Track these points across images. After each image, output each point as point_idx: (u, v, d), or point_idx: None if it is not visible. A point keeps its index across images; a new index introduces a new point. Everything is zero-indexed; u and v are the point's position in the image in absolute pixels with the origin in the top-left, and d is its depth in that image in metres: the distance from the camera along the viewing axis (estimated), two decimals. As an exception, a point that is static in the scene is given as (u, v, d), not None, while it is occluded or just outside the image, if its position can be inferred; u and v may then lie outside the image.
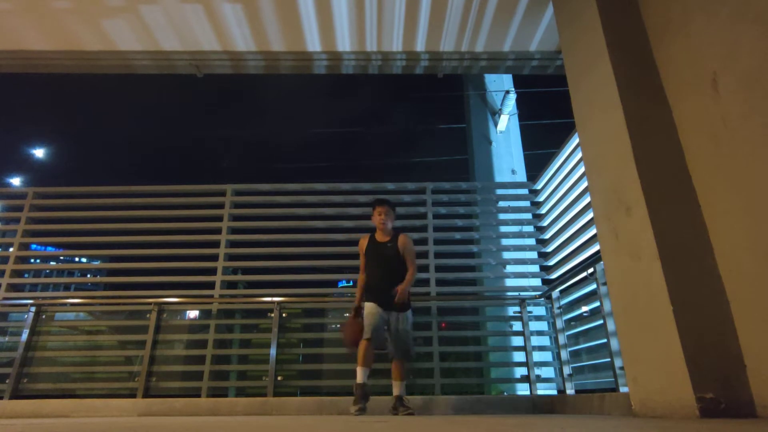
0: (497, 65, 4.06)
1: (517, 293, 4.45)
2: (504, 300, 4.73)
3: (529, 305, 4.05)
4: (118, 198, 4.69)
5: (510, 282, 4.82)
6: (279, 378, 3.86)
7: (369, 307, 3.19)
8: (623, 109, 2.20)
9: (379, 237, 3.39)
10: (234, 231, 4.62)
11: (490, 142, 7.55)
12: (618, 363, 2.72)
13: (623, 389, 2.66)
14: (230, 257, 4.49)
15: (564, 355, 3.65)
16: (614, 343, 2.77)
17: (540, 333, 4.13)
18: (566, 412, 3.12)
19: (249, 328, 4.54)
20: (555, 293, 3.87)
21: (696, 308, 1.85)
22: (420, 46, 3.80)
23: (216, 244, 4.46)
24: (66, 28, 3.62)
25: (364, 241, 3.45)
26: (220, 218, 4.56)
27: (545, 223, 4.54)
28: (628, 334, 2.20)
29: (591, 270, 3.19)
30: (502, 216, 4.73)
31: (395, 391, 3.08)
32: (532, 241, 4.69)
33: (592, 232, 3.59)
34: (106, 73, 4.12)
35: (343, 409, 3.37)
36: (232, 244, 4.55)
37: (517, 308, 4.06)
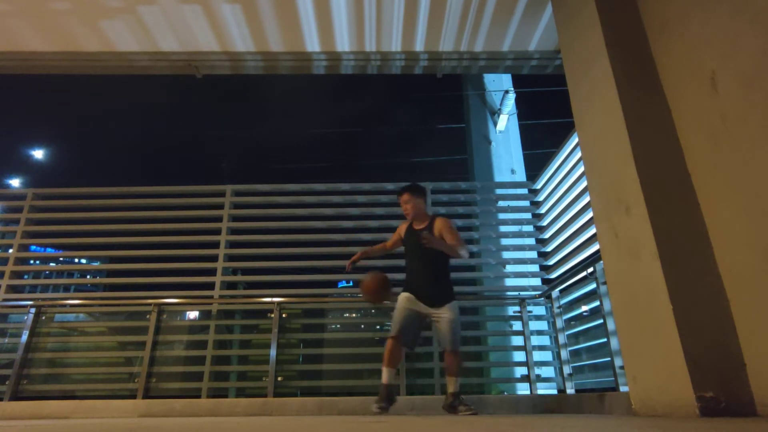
0: (496, 65, 4.06)
1: (516, 293, 4.45)
2: (504, 300, 4.72)
3: (528, 305, 4.05)
4: (117, 199, 4.69)
5: (510, 282, 4.82)
6: (279, 378, 3.86)
7: (402, 300, 3.00)
8: (622, 108, 2.20)
9: (416, 225, 3.19)
10: (234, 231, 4.62)
11: (489, 142, 7.56)
12: (618, 362, 2.72)
13: (623, 388, 2.66)
14: (230, 258, 4.49)
15: (564, 354, 3.65)
16: (614, 343, 2.77)
17: (540, 332, 4.13)
18: (566, 412, 3.12)
19: (249, 329, 4.53)
20: (555, 293, 3.87)
21: (696, 307, 1.85)
22: (419, 46, 3.80)
23: (216, 245, 4.46)
24: (65, 29, 3.62)
25: (403, 225, 3.31)
26: (219, 219, 4.56)
27: (545, 222, 4.54)
28: (627, 333, 2.20)
29: (591, 269, 3.19)
30: (501, 216, 4.73)
31: (449, 388, 2.88)
32: (531, 241, 4.70)
33: (592, 231, 3.59)
34: (105, 73, 4.12)
35: (343, 410, 3.37)
36: (232, 244, 4.55)
37: (517, 308, 4.06)
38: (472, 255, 4.83)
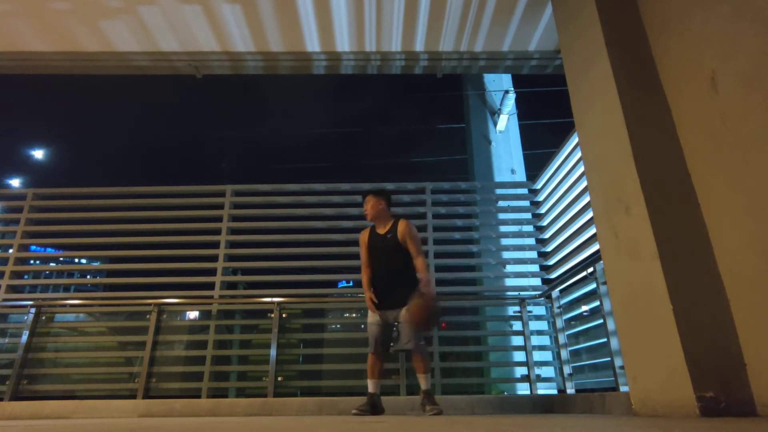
0: (496, 65, 4.06)
1: (517, 293, 4.45)
2: (504, 300, 4.72)
3: (529, 305, 4.05)
4: (117, 199, 4.69)
5: (510, 282, 4.82)
6: (279, 378, 3.86)
7: (370, 316, 3.08)
8: (622, 108, 2.20)
9: (379, 229, 3.18)
10: (234, 231, 4.62)
11: (489, 142, 7.56)
12: (618, 362, 2.72)
13: (623, 388, 2.67)
14: (230, 258, 4.49)
15: (564, 354, 3.65)
16: (614, 343, 2.77)
17: (540, 332, 4.13)
18: (566, 412, 3.12)
19: (249, 329, 4.54)
20: (555, 293, 3.87)
21: (696, 307, 1.85)
22: (419, 46, 3.80)
23: (216, 245, 4.46)
24: (65, 29, 3.62)
25: (364, 234, 3.23)
26: (219, 219, 4.56)
27: (545, 222, 4.54)
28: (628, 333, 2.19)
29: (591, 269, 3.19)
30: (501, 216, 4.73)
31: (421, 386, 2.94)
32: (531, 241, 4.70)
33: (592, 231, 3.59)
34: (105, 74, 4.12)
35: (343, 410, 3.37)
36: (232, 244, 4.55)
37: (517, 308, 4.06)
38: (472, 255, 4.84)
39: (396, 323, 3.04)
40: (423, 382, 2.94)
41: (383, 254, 3.08)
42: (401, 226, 3.09)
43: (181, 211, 4.64)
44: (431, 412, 2.79)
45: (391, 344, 3.09)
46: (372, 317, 3.07)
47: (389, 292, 3.04)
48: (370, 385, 2.99)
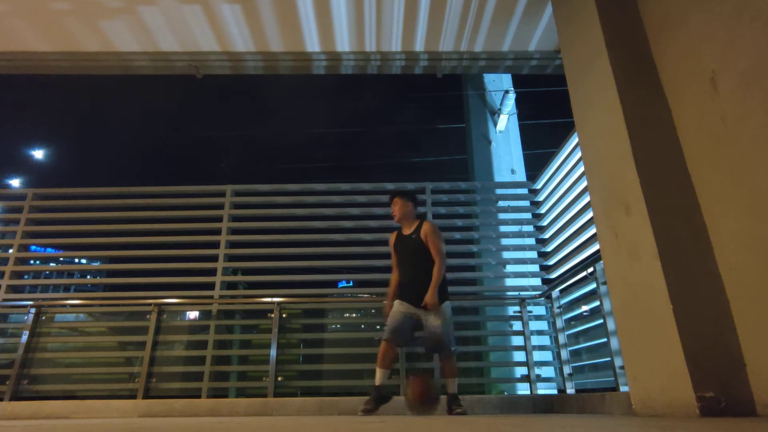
0: (496, 65, 4.07)
1: (517, 293, 4.45)
2: (504, 300, 4.72)
3: (529, 305, 4.05)
4: (117, 199, 4.69)
5: (510, 282, 4.82)
6: (279, 379, 3.86)
7: (396, 304, 3.12)
8: (622, 108, 2.20)
9: (405, 230, 3.29)
10: (234, 231, 4.62)
11: (489, 142, 7.55)
12: (618, 362, 2.72)
13: (623, 388, 2.67)
14: (230, 258, 4.49)
15: (564, 354, 3.65)
16: (614, 343, 2.78)
17: (540, 332, 4.13)
18: (566, 412, 3.12)
19: (249, 329, 4.54)
20: (555, 293, 3.87)
21: (696, 307, 1.85)
22: (419, 46, 3.81)
23: (216, 245, 4.46)
24: (65, 30, 3.62)
25: (392, 236, 3.37)
26: (219, 219, 4.56)
27: (545, 222, 4.54)
28: (628, 333, 2.20)
29: (591, 269, 3.19)
30: (501, 216, 4.73)
31: (447, 389, 3.03)
32: (531, 241, 4.70)
33: (592, 231, 3.59)
34: (105, 74, 4.12)
35: (343, 410, 3.37)
36: (232, 244, 4.55)
37: (517, 308, 4.06)
38: (472, 255, 4.84)
39: (422, 322, 3.06)
40: (450, 386, 3.02)
41: (409, 255, 3.19)
42: (425, 226, 3.19)
43: (181, 211, 4.64)
44: (456, 411, 2.88)
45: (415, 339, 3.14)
46: (398, 306, 3.10)
47: (416, 291, 3.07)
48: (378, 376, 2.97)
